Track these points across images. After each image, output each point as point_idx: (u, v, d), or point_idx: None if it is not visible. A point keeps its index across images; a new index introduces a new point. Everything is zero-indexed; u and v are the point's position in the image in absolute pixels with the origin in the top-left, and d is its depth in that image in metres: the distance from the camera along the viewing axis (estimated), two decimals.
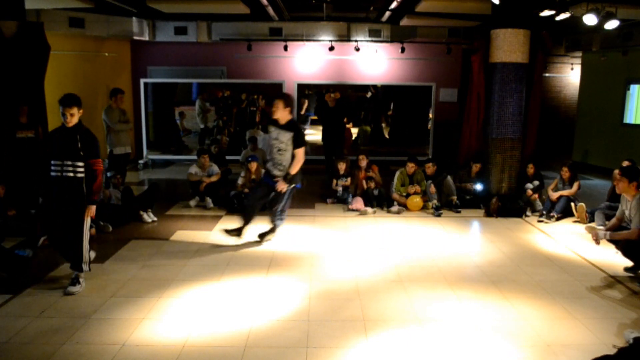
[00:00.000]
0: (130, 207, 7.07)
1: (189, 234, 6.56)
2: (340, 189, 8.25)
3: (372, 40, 11.34)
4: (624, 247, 5.19)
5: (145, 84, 11.72)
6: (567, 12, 7.63)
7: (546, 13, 7.67)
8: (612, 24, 7.41)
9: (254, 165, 7.96)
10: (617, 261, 5.51)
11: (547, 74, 13.71)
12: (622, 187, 5.28)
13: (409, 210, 7.92)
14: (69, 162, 4.54)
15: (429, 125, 12.49)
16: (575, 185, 7.64)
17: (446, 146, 11.67)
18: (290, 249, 6.03)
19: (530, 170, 8.17)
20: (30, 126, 6.65)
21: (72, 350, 3.65)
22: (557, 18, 7.85)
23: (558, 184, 7.84)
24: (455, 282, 5.08)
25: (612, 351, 3.67)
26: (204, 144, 12.51)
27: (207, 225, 7.01)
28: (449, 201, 8.04)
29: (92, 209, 4.64)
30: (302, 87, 12.71)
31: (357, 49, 11.07)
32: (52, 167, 4.56)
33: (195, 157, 8.45)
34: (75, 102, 4.55)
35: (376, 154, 11.32)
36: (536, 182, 8.07)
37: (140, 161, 11.59)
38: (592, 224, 7.07)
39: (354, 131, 13.48)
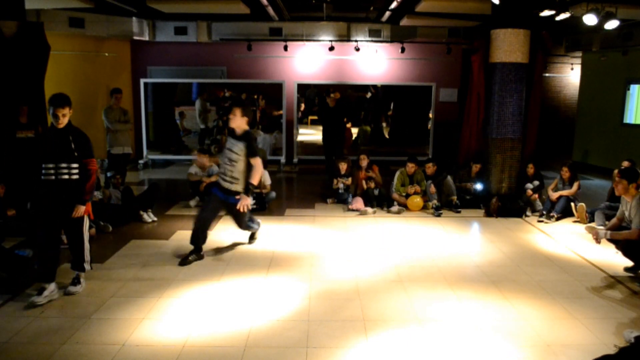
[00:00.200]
0: (130, 207, 7.07)
1: (189, 234, 6.50)
2: (342, 186, 8.26)
3: (372, 40, 11.34)
4: (624, 247, 5.19)
5: (145, 84, 11.72)
6: (567, 12, 7.64)
7: (546, 13, 7.67)
8: (612, 24, 7.41)
9: None
10: (617, 261, 5.51)
11: (547, 74, 13.72)
12: (622, 189, 5.28)
13: (409, 210, 7.92)
14: (64, 165, 4.42)
15: (429, 125, 12.49)
16: (575, 185, 7.64)
17: (446, 146, 11.67)
18: (290, 249, 6.03)
19: (530, 170, 8.17)
20: (30, 126, 6.65)
21: (72, 350, 3.65)
22: (557, 18, 7.86)
23: (558, 184, 7.84)
24: (455, 282, 5.08)
25: (612, 351, 3.68)
26: (204, 144, 12.51)
27: None
28: (449, 201, 8.04)
29: (81, 209, 4.49)
30: (302, 87, 12.71)
31: (357, 49, 11.07)
32: (45, 171, 4.41)
33: (195, 157, 8.43)
34: (67, 102, 4.45)
35: (376, 154, 11.31)
36: (536, 182, 8.07)
37: (140, 161, 11.59)
38: (592, 224, 7.07)
39: (354, 131, 13.49)
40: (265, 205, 7.86)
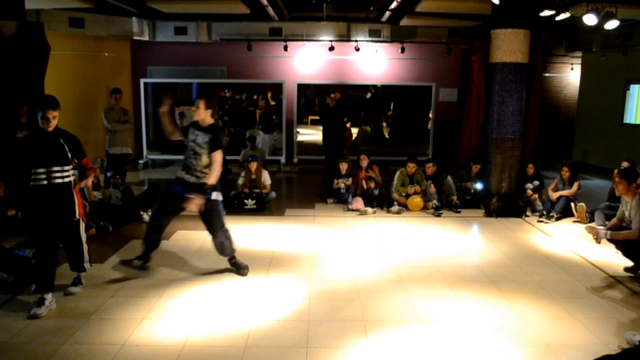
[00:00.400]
0: (130, 207, 7.07)
1: (189, 234, 6.56)
2: (342, 186, 8.26)
3: (372, 40, 11.34)
4: (624, 247, 5.19)
5: (145, 84, 11.72)
6: (567, 12, 7.63)
7: (546, 13, 7.67)
8: (612, 24, 7.40)
9: (254, 165, 7.97)
10: (617, 261, 5.51)
11: (547, 74, 13.71)
12: (622, 189, 5.28)
13: (409, 210, 7.92)
14: (57, 168, 4.29)
15: (429, 125, 12.49)
16: (575, 185, 7.64)
17: (446, 146, 11.67)
18: (290, 249, 6.03)
19: (530, 170, 8.17)
20: (30, 126, 6.65)
21: (72, 350, 3.65)
22: (557, 18, 7.85)
23: (558, 184, 7.84)
24: (455, 282, 5.08)
25: (613, 351, 3.68)
26: None
27: None
28: (449, 201, 8.04)
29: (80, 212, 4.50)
30: (302, 87, 12.71)
31: (357, 49, 11.07)
32: (35, 176, 4.23)
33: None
34: (57, 104, 4.30)
35: (376, 154, 11.31)
36: (536, 182, 8.07)
37: (140, 161, 11.60)
38: (592, 224, 7.07)
39: (354, 131, 13.49)
40: (265, 205, 7.86)
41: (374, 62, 12.03)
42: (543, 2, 7.64)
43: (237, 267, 5.20)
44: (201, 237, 6.40)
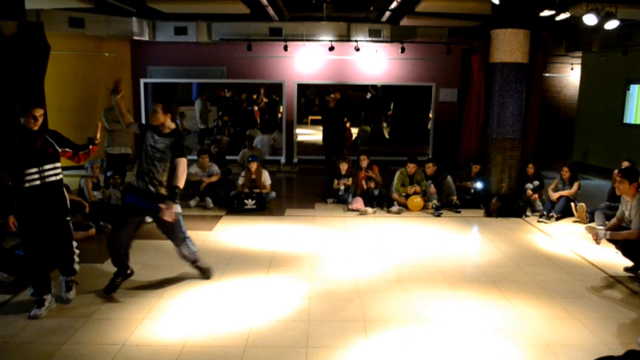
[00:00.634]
0: None
1: (189, 234, 6.54)
2: (342, 187, 8.26)
3: (372, 40, 11.34)
4: (624, 247, 5.19)
5: (145, 84, 11.72)
6: (567, 12, 7.64)
7: (546, 13, 7.67)
8: (612, 24, 7.40)
9: (254, 165, 7.97)
10: (617, 261, 5.51)
11: (547, 74, 13.71)
12: (623, 189, 5.27)
13: (409, 210, 7.92)
14: (49, 166, 4.20)
15: (429, 125, 12.49)
16: (575, 185, 7.64)
17: (446, 146, 11.67)
18: (290, 249, 6.03)
19: (530, 170, 8.17)
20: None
21: (72, 350, 3.65)
22: (557, 18, 7.85)
23: (558, 184, 7.84)
24: (455, 282, 5.08)
25: (614, 352, 3.68)
26: (204, 144, 12.52)
27: (207, 225, 7.01)
28: (449, 201, 8.04)
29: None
30: (302, 87, 12.71)
31: (357, 49, 11.07)
32: (28, 177, 4.09)
33: (195, 157, 8.45)
34: (42, 102, 4.25)
35: (376, 154, 11.31)
36: (536, 182, 8.07)
37: None
38: (592, 224, 7.07)
39: (354, 131, 13.49)
40: (265, 205, 7.86)
41: (374, 62, 12.03)
42: (543, 2, 7.64)
43: (201, 271, 4.99)
44: (201, 237, 6.41)
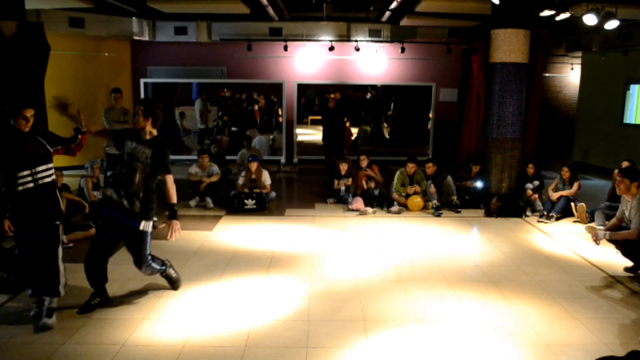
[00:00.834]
0: None
1: (189, 234, 6.55)
2: (342, 187, 8.26)
3: (372, 40, 11.34)
4: (624, 247, 5.19)
5: (145, 84, 11.72)
6: (567, 12, 7.64)
7: (546, 13, 7.67)
8: (612, 24, 7.41)
9: (254, 165, 7.97)
10: (617, 261, 5.51)
11: (547, 74, 13.71)
12: (624, 188, 5.27)
13: (409, 210, 7.92)
14: (42, 168, 4.04)
15: (429, 125, 12.49)
16: (575, 185, 7.64)
17: (446, 146, 11.67)
18: (290, 249, 6.03)
19: (530, 170, 8.17)
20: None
21: (72, 350, 3.65)
22: (557, 18, 7.85)
23: (558, 184, 7.84)
24: (455, 282, 5.08)
25: (614, 352, 3.68)
26: (204, 144, 12.52)
27: (207, 225, 7.01)
28: (449, 201, 8.04)
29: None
30: (302, 87, 12.71)
31: (357, 49, 11.06)
32: (21, 180, 3.95)
33: (195, 157, 8.44)
34: (33, 102, 4.08)
35: (376, 154, 11.32)
36: (536, 182, 8.07)
37: None
38: (592, 224, 7.07)
39: (354, 131, 13.49)
40: (265, 205, 7.86)
41: (374, 62, 12.02)
42: (543, 2, 7.64)
43: (170, 281, 4.68)
44: (201, 237, 6.41)
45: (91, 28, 10.20)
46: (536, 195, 7.99)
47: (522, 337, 3.96)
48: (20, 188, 3.96)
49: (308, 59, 12.04)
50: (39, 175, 4.04)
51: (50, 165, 4.13)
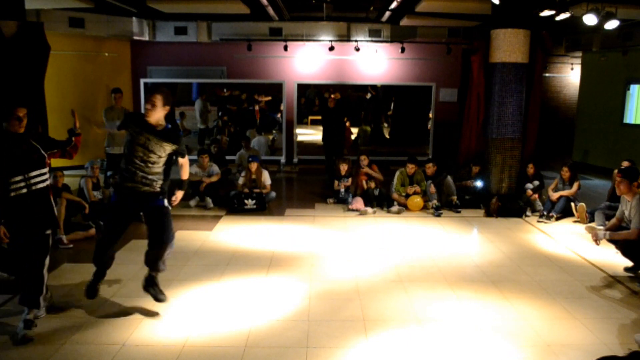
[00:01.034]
0: None
1: (189, 234, 6.56)
2: (342, 189, 8.26)
3: (372, 40, 11.34)
4: (624, 247, 5.19)
5: (145, 84, 11.72)
6: (567, 12, 7.63)
7: (546, 13, 7.67)
8: (612, 24, 7.40)
9: (254, 166, 7.97)
10: (617, 261, 5.51)
11: (547, 74, 13.71)
12: (624, 189, 5.27)
13: (409, 210, 7.92)
14: (36, 173, 3.88)
15: (429, 125, 12.49)
16: (575, 186, 7.64)
17: (446, 146, 11.67)
18: (290, 249, 6.03)
19: (530, 170, 8.17)
20: (30, 127, 6.63)
21: (72, 350, 3.65)
22: (557, 18, 7.84)
23: (558, 184, 7.84)
24: (455, 282, 5.08)
25: (613, 352, 3.68)
26: (204, 144, 12.53)
27: (207, 225, 7.01)
28: (449, 201, 8.04)
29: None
30: (302, 87, 12.71)
31: (357, 49, 11.06)
32: (14, 185, 3.79)
33: (195, 157, 8.45)
34: (24, 103, 3.95)
35: (376, 154, 11.32)
36: (536, 182, 8.07)
37: None
38: (592, 224, 7.07)
39: (354, 131, 13.49)
40: (265, 205, 7.86)
41: (374, 62, 12.03)
42: (543, 2, 7.64)
43: (155, 290, 4.27)
44: (201, 237, 6.41)
45: (91, 28, 10.20)
46: (536, 195, 7.99)
47: (522, 337, 3.96)
48: (13, 194, 3.81)
49: (308, 59, 12.04)
50: (33, 181, 3.88)
51: (44, 171, 3.97)
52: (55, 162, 4.33)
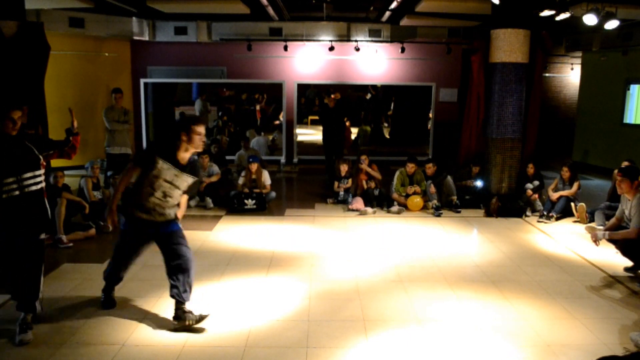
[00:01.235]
0: None
1: (189, 234, 6.44)
2: (342, 191, 8.26)
3: (372, 40, 11.34)
4: (623, 246, 5.19)
5: (145, 84, 11.71)
6: (567, 12, 7.63)
7: (546, 13, 7.67)
8: (612, 24, 7.41)
9: (254, 166, 7.97)
10: (617, 261, 5.51)
11: (547, 74, 13.71)
12: (625, 188, 5.27)
13: (409, 210, 7.92)
14: (29, 175, 3.78)
15: (429, 125, 12.49)
16: (575, 186, 7.64)
17: (446, 146, 11.67)
18: (290, 249, 6.03)
19: (530, 170, 8.17)
20: (30, 126, 6.64)
21: (72, 350, 3.65)
22: (557, 18, 7.85)
23: (558, 184, 7.84)
24: (455, 282, 5.08)
25: (613, 352, 3.68)
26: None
27: (207, 225, 7.01)
28: (449, 201, 8.04)
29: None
30: (302, 87, 12.71)
31: (357, 49, 11.06)
32: (6, 187, 3.69)
33: (195, 157, 8.44)
34: (20, 104, 3.90)
35: (376, 154, 11.32)
36: (536, 182, 8.07)
37: None
38: (592, 224, 7.07)
39: (354, 131, 13.49)
40: (265, 205, 7.86)
41: (374, 62, 12.03)
42: (543, 2, 7.64)
43: (189, 316, 3.98)
44: (201, 237, 6.41)
45: (91, 28, 10.21)
46: (536, 195, 7.99)
47: (522, 337, 3.96)
48: (5, 195, 3.70)
49: (308, 59, 12.04)
50: (25, 183, 3.77)
51: (38, 173, 3.86)
52: (55, 162, 4.33)
